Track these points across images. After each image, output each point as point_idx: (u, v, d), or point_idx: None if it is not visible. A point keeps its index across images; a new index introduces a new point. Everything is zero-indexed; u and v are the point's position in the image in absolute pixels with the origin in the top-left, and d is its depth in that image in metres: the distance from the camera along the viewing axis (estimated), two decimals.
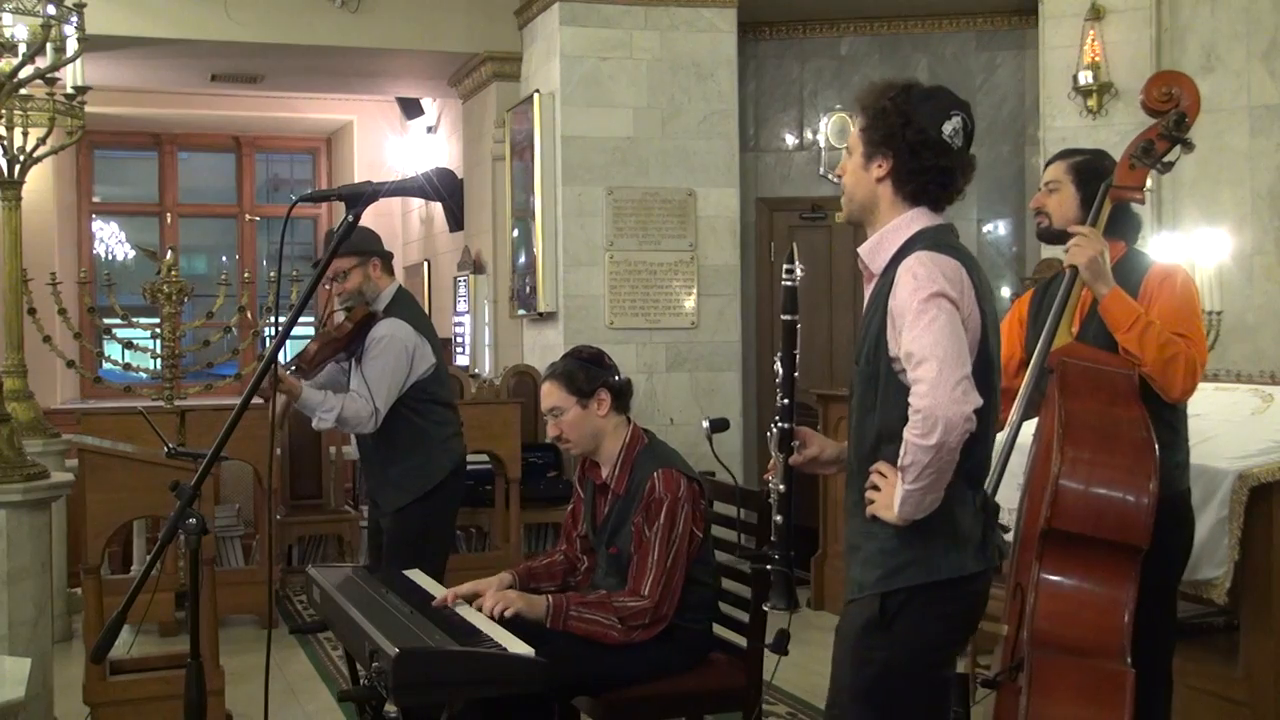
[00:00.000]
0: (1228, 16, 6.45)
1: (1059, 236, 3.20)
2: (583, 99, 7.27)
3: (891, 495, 2.32)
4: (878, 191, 2.45)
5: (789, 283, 2.56)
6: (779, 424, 2.54)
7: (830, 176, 7.96)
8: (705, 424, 2.99)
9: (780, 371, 2.56)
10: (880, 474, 2.37)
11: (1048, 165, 3.33)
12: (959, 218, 8.26)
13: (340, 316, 4.33)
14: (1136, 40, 6.73)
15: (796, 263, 2.56)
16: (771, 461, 2.58)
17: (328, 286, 4.31)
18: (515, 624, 3.05)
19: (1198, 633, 4.25)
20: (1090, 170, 3.21)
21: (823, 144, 8.28)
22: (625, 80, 7.31)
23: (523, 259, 7.75)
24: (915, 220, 2.43)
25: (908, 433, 2.25)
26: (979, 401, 2.25)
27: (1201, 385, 4.57)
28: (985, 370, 2.36)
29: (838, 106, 8.28)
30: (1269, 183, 6.33)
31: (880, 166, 2.43)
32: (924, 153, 2.39)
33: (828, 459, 2.62)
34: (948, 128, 2.41)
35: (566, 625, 3.17)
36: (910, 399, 2.26)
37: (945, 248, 2.37)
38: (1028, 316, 3.33)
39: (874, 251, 2.47)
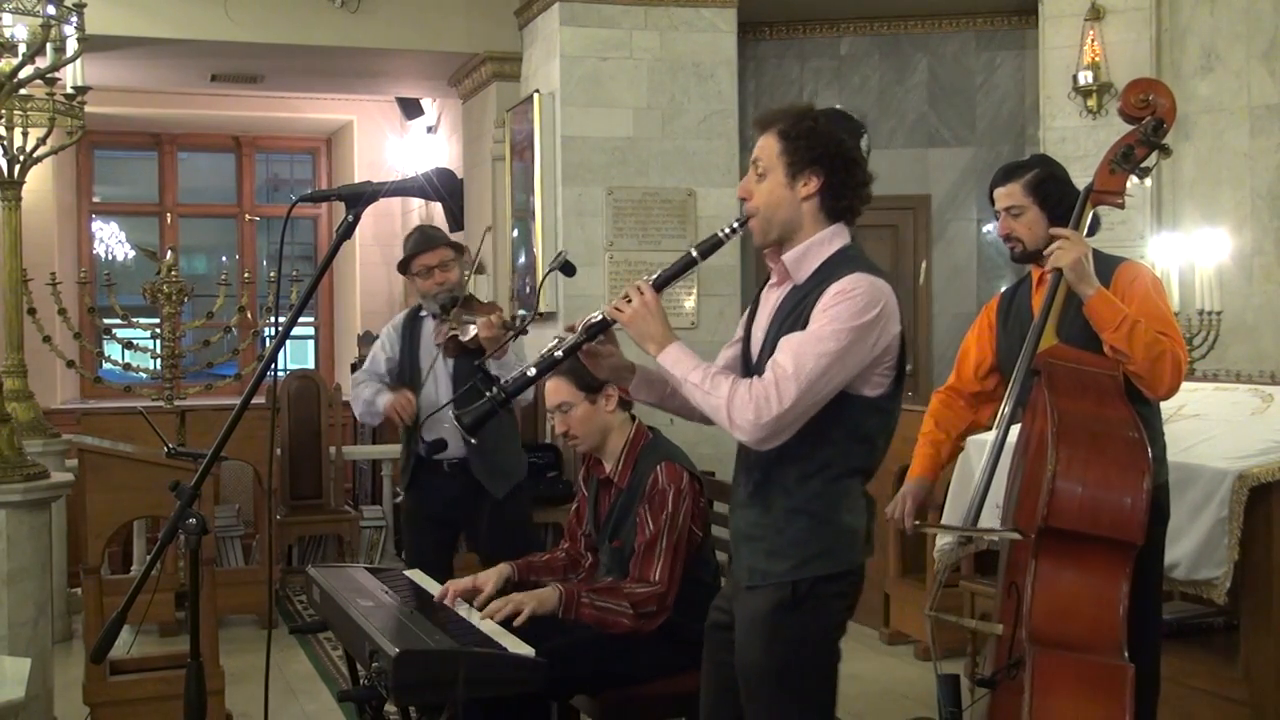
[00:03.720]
0: (1228, 16, 6.45)
1: (1034, 256, 3.23)
2: (583, 99, 7.27)
3: (645, 321, 2.47)
4: (802, 209, 2.52)
5: (724, 234, 2.54)
6: (604, 318, 2.54)
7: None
8: (558, 256, 2.78)
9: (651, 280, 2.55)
10: (637, 290, 2.49)
11: (997, 187, 3.27)
12: (958, 218, 8.28)
13: (434, 306, 4.43)
14: (1136, 40, 6.73)
15: (744, 227, 2.57)
16: (571, 331, 2.59)
17: (419, 276, 4.41)
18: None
19: (1198, 633, 4.26)
20: (1047, 186, 3.21)
21: None
22: (625, 80, 7.31)
23: (523, 259, 7.75)
24: (838, 236, 2.54)
25: (735, 390, 2.39)
26: (768, 443, 2.41)
27: (1201, 385, 4.61)
28: (899, 377, 2.52)
29: (838, 106, 8.26)
30: (1269, 183, 6.33)
31: (808, 184, 2.50)
32: (855, 170, 2.52)
33: (612, 364, 2.66)
34: (862, 145, 2.59)
35: (579, 614, 3.18)
36: (764, 375, 2.39)
37: (876, 270, 2.49)
38: (997, 322, 3.34)
39: (799, 260, 2.54)
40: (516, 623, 3.06)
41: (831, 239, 2.53)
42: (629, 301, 2.51)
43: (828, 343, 2.38)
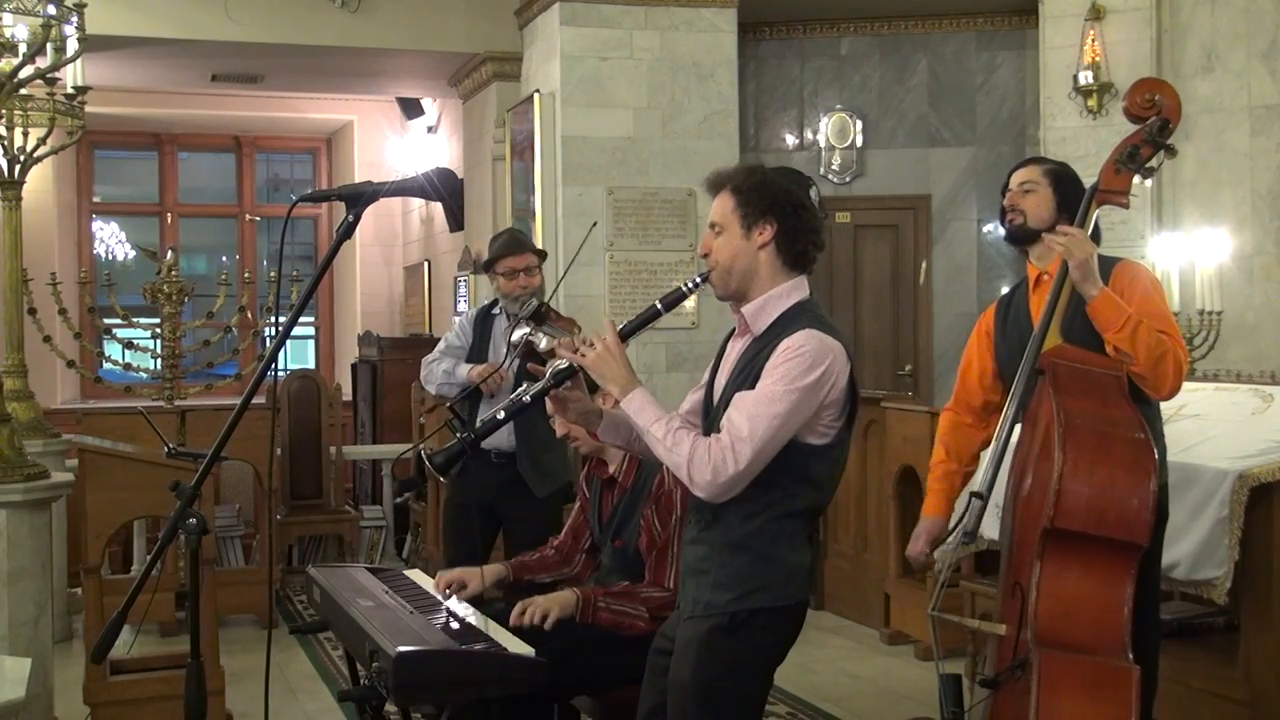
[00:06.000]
0: (1228, 16, 6.45)
1: (1030, 236, 3.22)
2: (583, 99, 7.27)
3: (608, 365, 2.59)
4: (759, 258, 2.63)
5: (687, 288, 2.65)
6: (571, 364, 2.67)
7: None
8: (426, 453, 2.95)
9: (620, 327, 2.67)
10: (601, 337, 2.61)
11: (1016, 170, 3.32)
12: (958, 218, 8.27)
13: (514, 307, 4.48)
14: (1136, 40, 6.73)
15: (705, 282, 2.67)
16: (541, 379, 2.71)
17: (503, 276, 4.47)
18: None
19: (1198, 633, 4.26)
20: (1066, 177, 3.26)
21: (823, 144, 8.28)
22: (625, 80, 7.31)
23: None
24: (795, 290, 2.66)
25: (695, 448, 2.50)
26: (723, 498, 2.52)
27: (1201, 385, 4.61)
28: (849, 421, 2.63)
29: (838, 106, 8.28)
30: (1269, 183, 6.33)
31: (763, 233, 2.62)
32: (805, 215, 2.64)
33: (580, 409, 2.79)
34: (811, 195, 2.72)
35: (596, 617, 3.19)
36: (720, 435, 2.51)
37: (829, 328, 2.60)
38: (995, 329, 3.34)
39: (757, 313, 2.66)
40: (546, 626, 3.09)
41: (790, 293, 2.65)
42: (593, 347, 2.63)
43: (778, 404, 2.50)
